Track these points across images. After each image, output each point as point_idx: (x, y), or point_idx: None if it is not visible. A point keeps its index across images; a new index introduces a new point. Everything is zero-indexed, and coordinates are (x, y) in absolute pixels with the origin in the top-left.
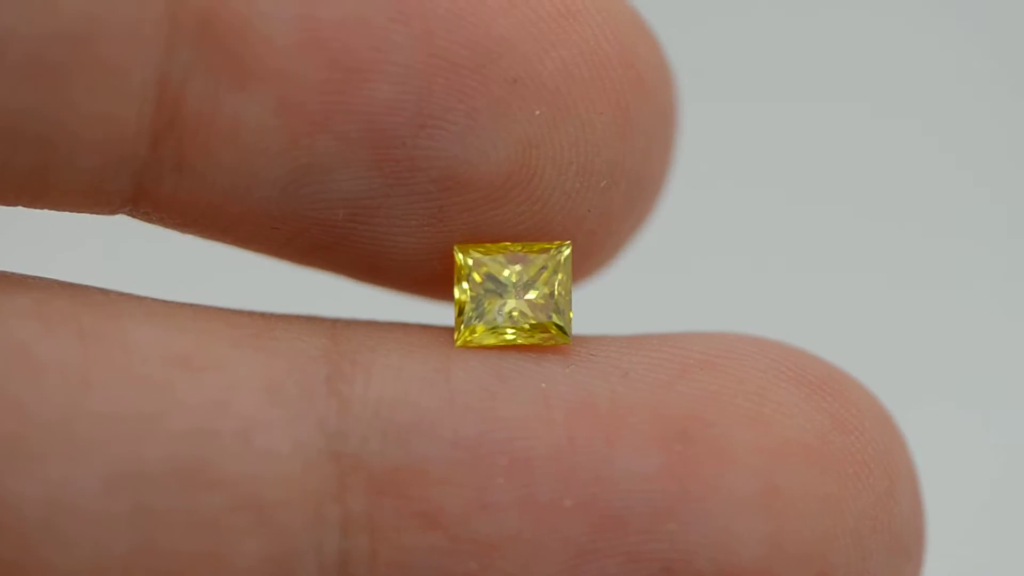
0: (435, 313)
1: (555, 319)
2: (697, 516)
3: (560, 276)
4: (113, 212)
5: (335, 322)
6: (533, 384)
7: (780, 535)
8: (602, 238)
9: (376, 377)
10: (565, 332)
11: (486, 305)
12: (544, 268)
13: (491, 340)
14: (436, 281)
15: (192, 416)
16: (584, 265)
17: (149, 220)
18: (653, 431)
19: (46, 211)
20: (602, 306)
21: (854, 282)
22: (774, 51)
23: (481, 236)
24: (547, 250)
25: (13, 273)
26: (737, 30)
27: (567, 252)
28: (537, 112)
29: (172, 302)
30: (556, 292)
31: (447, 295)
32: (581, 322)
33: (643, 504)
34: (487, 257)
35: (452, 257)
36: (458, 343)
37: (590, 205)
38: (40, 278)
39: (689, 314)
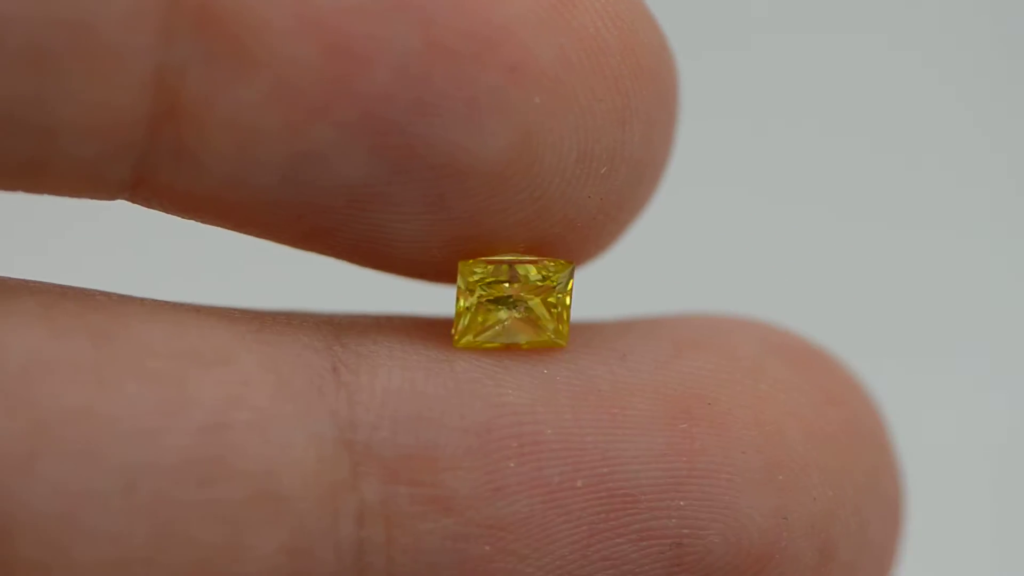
0: (436, 302)
1: (553, 335)
2: (705, 492)
3: (561, 291)
4: (112, 198)
5: (335, 317)
6: (536, 370)
7: (786, 508)
8: (602, 223)
9: (381, 367)
10: (561, 335)
11: (485, 316)
12: (545, 287)
13: (489, 346)
14: (436, 266)
15: (205, 411)
16: (584, 249)
17: (148, 206)
18: (656, 410)
19: (45, 197)
20: (587, 289)
21: (841, 265)
22: (774, 41)
23: (481, 223)
24: (551, 268)
25: (12, 279)
26: (737, 14)
27: (570, 274)
28: (537, 99)
29: (175, 302)
30: (555, 313)
31: (446, 279)
32: (572, 307)
33: (651, 482)
34: (488, 269)
35: (452, 243)
36: (456, 345)
37: (590, 191)
38: (42, 283)
39: (675, 296)
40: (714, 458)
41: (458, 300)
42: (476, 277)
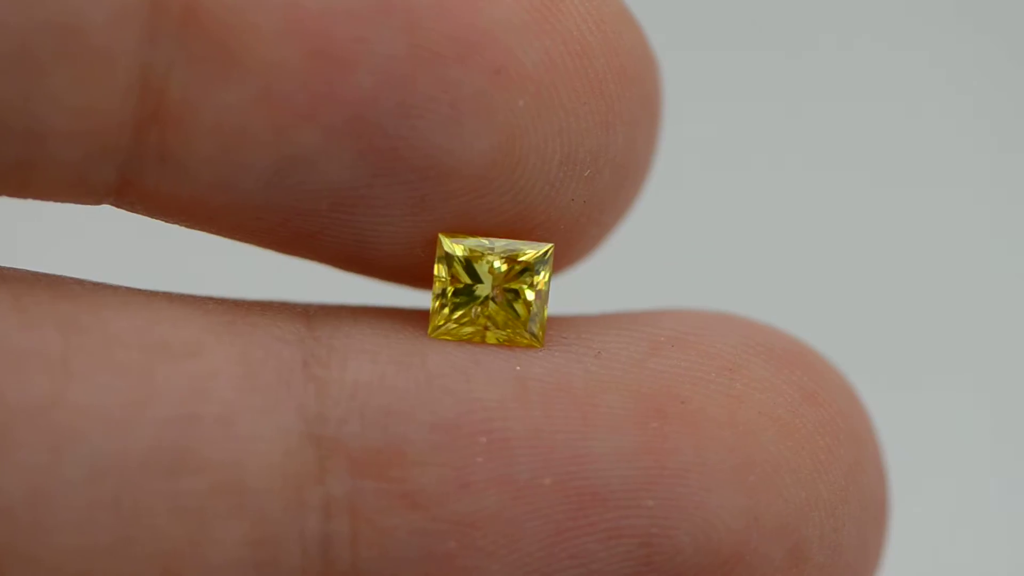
0: (409, 297)
1: (529, 325)
2: (674, 491)
3: (539, 278)
4: (97, 202)
5: (309, 307)
6: (508, 366)
7: (756, 508)
8: (585, 227)
9: (352, 361)
10: (537, 337)
11: (463, 296)
12: (526, 267)
13: (465, 336)
14: (419, 270)
15: (173, 403)
16: (568, 253)
17: (133, 210)
18: (628, 409)
19: (23, 199)
20: (571, 286)
21: (825, 263)
22: (756, 42)
23: (464, 225)
24: (530, 249)
25: None
26: (720, 18)
27: (549, 253)
28: (520, 102)
29: (148, 291)
30: (533, 294)
31: (429, 284)
32: (551, 302)
33: (621, 481)
34: (470, 248)
35: (435, 246)
36: (431, 334)
37: (574, 194)
38: (16, 269)
39: (659, 292)
40: (685, 457)
41: (437, 272)
42: (455, 250)
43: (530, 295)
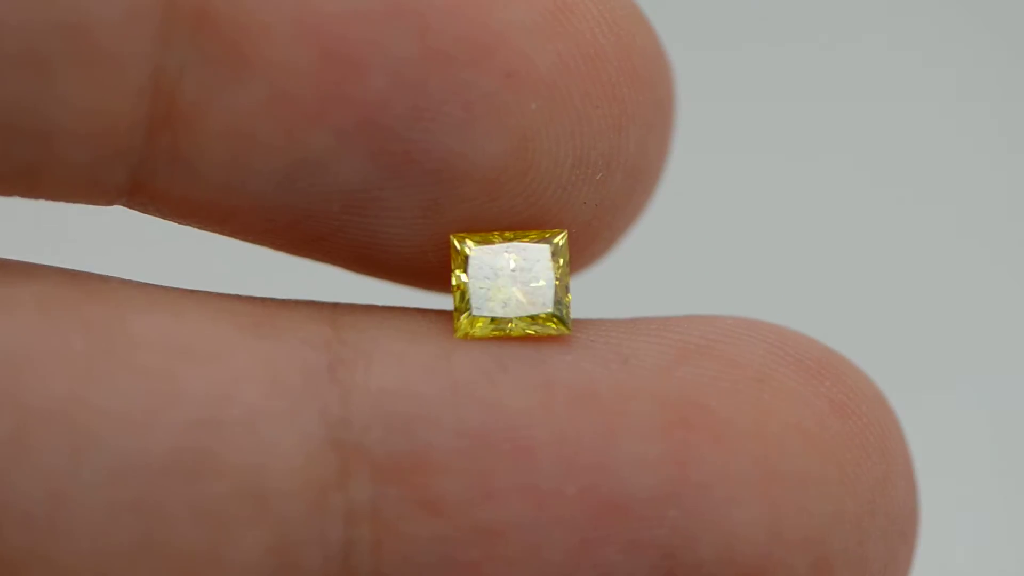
0: (435, 297)
1: (554, 309)
2: (698, 502)
3: (558, 264)
4: (109, 203)
5: (336, 307)
6: (534, 371)
7: (781, 521)
8: (598, 230)
9: (377, 365)
10: (564, 323)
11: (484, 295)
12: (541, 256)
13: (490, 332)
14: (431, 273)
15: (195, 407)
16: (580, 256)
17: (145, 211)
18: (654, 418)
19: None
20: (599, 289)
21: (852, 266)
22: (769, 43)
23: (476, 228)
24: (543, 238)
25: (14, 261)
26: (732, 21)
27: (563, 240)
28: (533, 105)
29: (174, 289)
30: (554, 280)
31: (442, 286)
32: (578, 305)
33: (645, 491)
34: (484, 246)
35: (447, 249)
36: (458, 335)
37: (586, 197)
38: (41, 266)
39: (687, 297)
40: (709, 468)
41: (454, 274)
42: (468, 249)
43: (550, 280)
